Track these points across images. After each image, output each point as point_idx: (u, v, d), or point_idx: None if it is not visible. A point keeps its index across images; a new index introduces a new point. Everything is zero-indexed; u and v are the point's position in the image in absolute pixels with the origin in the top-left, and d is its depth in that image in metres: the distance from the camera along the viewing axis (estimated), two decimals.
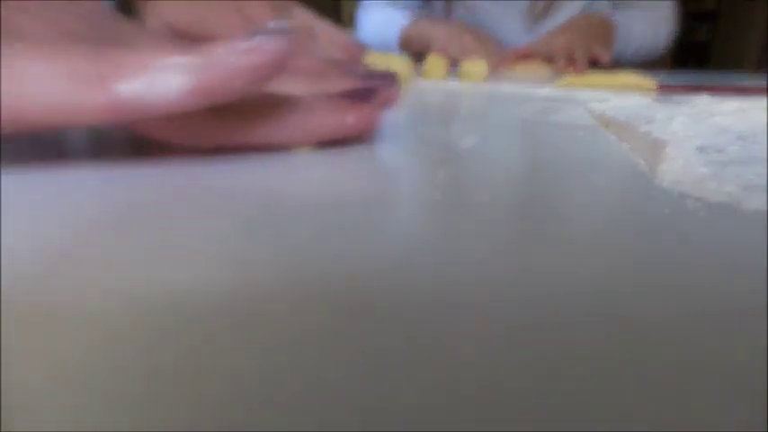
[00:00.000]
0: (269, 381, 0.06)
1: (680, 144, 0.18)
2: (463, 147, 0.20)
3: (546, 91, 0.43)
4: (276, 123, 0.17)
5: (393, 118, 0.25)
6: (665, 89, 0.45)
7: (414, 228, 0.12)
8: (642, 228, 0.12)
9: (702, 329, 0.08)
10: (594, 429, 0.06)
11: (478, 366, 0.07)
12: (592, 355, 0.07)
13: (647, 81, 0.45)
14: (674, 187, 0.15)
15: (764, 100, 0.31)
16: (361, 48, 0.29)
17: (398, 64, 0.44)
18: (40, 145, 0.17)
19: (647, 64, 0.83)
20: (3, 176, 0.14)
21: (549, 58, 0.70)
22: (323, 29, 0.23)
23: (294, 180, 0.15)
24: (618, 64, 0.77)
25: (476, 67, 0.53)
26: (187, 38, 0.17)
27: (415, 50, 0.77)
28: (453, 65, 0.61)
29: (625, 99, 0.35)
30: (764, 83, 0.53)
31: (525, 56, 0.72)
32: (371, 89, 0.19)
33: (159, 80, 0.13)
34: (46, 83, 0.13)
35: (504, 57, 0.71)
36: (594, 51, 0.71)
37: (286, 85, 0.18)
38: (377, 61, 0.40)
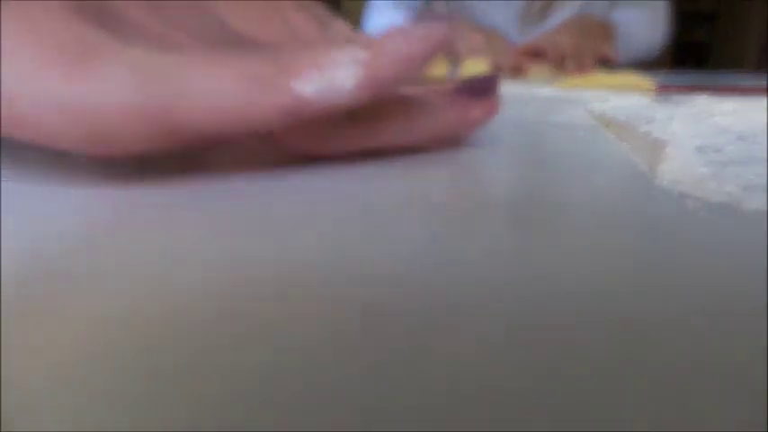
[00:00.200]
0: (269, 381, 0.06)
1: (680, 144, 0.18)
2: (464, 147, 0.20)
3: (546, 91, 0.43)
4: (405, 124, 0.17)
5: None
6: (665, 89, 0.45)
7: (413, 228, 0.12)
8: (642, 228, 0.12)
9: (702, 329, 0.08)
10: (594, 429, 0.06)
11: (478, 366, 0.07)
12: (592, 355, 0.07)
13: (646, 81, 0.46)
14: (674, 187, 0.15)
15: (764, 100, 0.31)
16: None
17: (473, 66, 0.43)
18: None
19: (646, 64, 0.83)
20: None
21: (557, 59, 0.69)
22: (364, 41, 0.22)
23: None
24: (617, 64, 0.77)
25: (476, 66, 0.53)
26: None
27: None
28: (458, 65, 0.61)
29: (625, 99, 0.35)
30: (764, 83, 0.53)
31: (532, 55, 0.71)
32: (489, 81, 0.19)
33: (336, 75, 0.13)
34: (224, 86, 0.12)
35: (513, 56, 0.70)
36: (603, 51, 0.71)
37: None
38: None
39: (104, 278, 0.09)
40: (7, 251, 0.09)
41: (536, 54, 0.71)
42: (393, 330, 0.07)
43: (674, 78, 0.62)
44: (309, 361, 0.07)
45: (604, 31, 0.80)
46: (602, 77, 0.49)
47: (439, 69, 0.54)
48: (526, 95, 0.42)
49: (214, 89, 0.12)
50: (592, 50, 0.70)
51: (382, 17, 0.91)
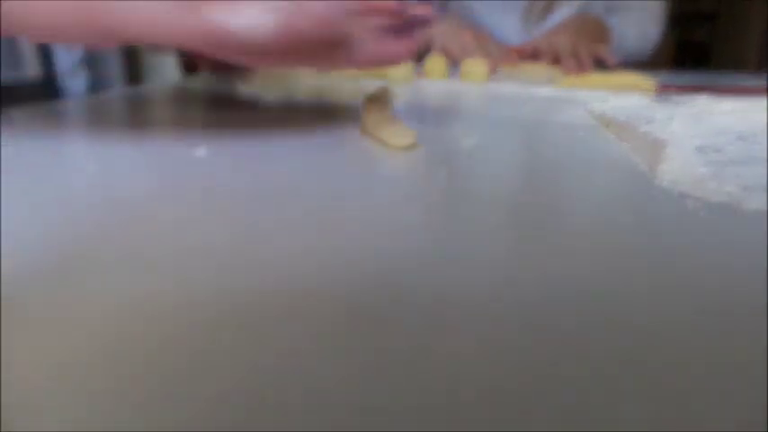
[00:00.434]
0: (269, 380, 0.06)
1: (680, 144, 0.18)
2: (463, 147, 0.20)
3: (546, 91, 0.43)
4: (336, 54, 0.19)
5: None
6: (665, 89, 0.45)
7: (413, 227, 0.12)
8: (642, 227, 0.12)
9: (702, 329, 0.08)
10: (594, 429, 0.06)
11: (478, 366, 0.07)
12: (592, 355, 0.07)
13: (646, 81, 0.45)
14: (674, 187, 0.15)
15: (764, 100, 0.31)
16: None
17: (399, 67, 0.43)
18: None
19: (646, 64, 0.83)
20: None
21: (554, 59, 0.69)
22: None
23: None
24: (613, 66, 0.77)
25: (476, 66, 0.53)
26: None
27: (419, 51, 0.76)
28: (454, 64, 0.61)
29: (625, 99, 0.35)
30: (764, 83, 0.53)
31: (528, 55, 0.71)
32: (411, 22, 0.22)
33: (260, 17, 0.15)
34: (155, 4, 0.15)
35: (505, 56, 0.70)
36: (599, 52, 0.71)
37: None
38: None
39: (104, 276, 0.09)
40: (7, 251, 0.09)
41: (532, 55, 0.71)
42: (393, 330, 0.07)
43: (674, 78, 0.62)
44: (309, 361, 0.07)
45: (601, 31, 0.80)
46: (603, 77, 0.49)
47: (439, 69, 0.54)
48: (526, 95, 0.42)
49: (146, 5, 0.15)
50: (588, 50, 0.70)
51: None
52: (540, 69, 0.64)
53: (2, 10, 0.14)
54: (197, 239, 0.10)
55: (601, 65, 0.71)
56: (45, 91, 0.55)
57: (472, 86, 0.48)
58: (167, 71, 0.75)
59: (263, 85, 0.36)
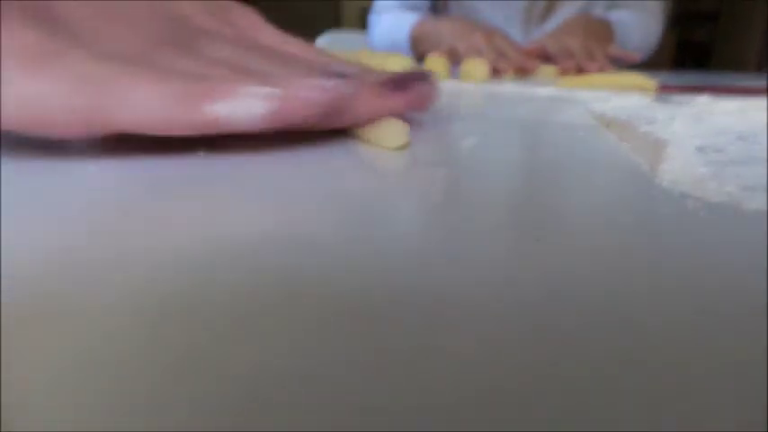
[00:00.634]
0: (269, 381, 0.06)
1: (680, 144, 0.18)
2: (463, 147, 0.20)
3: (547, 91, 0.43)
4: (333, 121, 0.19)
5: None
6: (666, 89, 0.45)
7: (413, 227, 0.12)
8: (642, 227, 0.12)
9: (702, 329, 0.08)
10: (594, 429, 0.06)
11: (478, 366, 0.07)
12: (592, 355, 0.07)
13: (647, 81, 0.45)
14: (675, 187, 0.15)
15: (764, 100, 0.31)
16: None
17: (397, 63, 0.43)
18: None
19: (647, 64, 0.83)
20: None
21: (567, 60, 0.69)
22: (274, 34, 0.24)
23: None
24: (623, 64, 0.77)
25: (476, 67, 0.53)
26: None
27: (425, 51, 0.75)
28: (456, 63, 0.61)
29: (626, 99, 0.35)
30: (764, 83, 0.53)
31: (541, 57, 0.70)
32: (414, 77, 0.22)
33: (249, 105, 0.16)
34: (149, 101, 0.15)
35: (523, 57, 0.69)
36: (609, 51, 0.71)
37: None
38: (374, 61, 0.40)
39: (104, 275, 0.09)
40: (7, 250, 0.09)
41: (544, 57, 0.70)
42: (393, 330, 0.07)
43: (674, 78, 0.62)
44: (309, 360, 0.07)
45: (606, 31, 0.80)
46: (603, 77, 0.49)
47: (439, 68, 0.54)
48: (526, 95, 0.42)
49: (141, 102, 0.15)
50: (601, 50, 0.70)
51: (386, 18, 0.90)
52: (551, 72, 0.64)
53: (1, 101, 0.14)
54: (197, 239, 0.10)
55: (616, 63, 0.71)
56: None
57: (472, 86, 0.48)
58: None
59: None
